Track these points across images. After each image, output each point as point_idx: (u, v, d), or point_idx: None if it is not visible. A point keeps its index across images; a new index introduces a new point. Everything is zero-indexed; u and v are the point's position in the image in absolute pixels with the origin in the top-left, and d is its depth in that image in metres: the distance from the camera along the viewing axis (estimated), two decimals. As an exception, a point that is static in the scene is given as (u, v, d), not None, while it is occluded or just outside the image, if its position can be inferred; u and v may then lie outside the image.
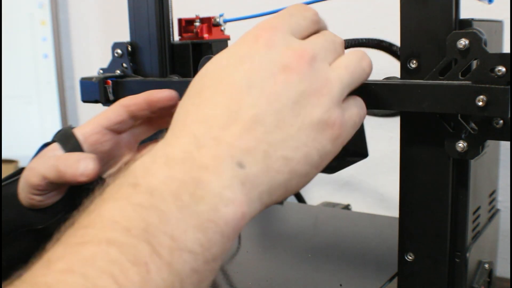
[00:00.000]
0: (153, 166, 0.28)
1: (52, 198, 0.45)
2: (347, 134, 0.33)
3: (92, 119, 0.47)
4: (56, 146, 0.45)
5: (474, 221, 0.46)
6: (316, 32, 0.35)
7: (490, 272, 0.49)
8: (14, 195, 0.45)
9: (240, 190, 0.28)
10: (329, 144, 0.31)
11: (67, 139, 0.45)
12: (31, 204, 0.44)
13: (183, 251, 0.25)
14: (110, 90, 0.56)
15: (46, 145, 0.46)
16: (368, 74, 0.36)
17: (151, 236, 0.25)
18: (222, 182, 0.27)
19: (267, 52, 0.31)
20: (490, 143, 0.49)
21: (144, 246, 0.24)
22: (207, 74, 0.32)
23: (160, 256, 0.25)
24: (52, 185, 0.43)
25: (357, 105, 0.35)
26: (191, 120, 0.30)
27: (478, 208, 0.47)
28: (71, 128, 0.47)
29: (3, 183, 0.46)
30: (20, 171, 0.46)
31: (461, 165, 0.42)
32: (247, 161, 0.29)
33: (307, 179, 0.32)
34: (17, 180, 0.46)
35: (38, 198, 0.44)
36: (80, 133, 0.46)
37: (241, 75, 0.31)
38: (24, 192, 0.44)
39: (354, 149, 0.49)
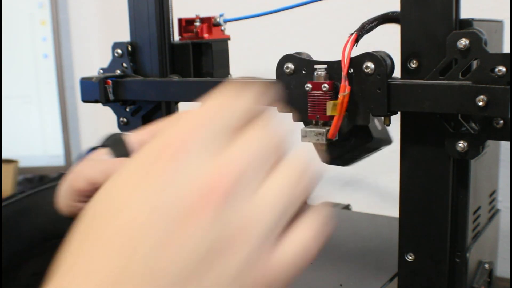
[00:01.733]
0: None
1: None
2: (284, 280, 0.25)
3: (146, 127, 0.42)
4: (104, 151, 0.41)
5: (474, 221, 0.46)
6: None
7: (490, 272, 0.49)
8: (50, 202, 0.42)
9: None
10: None
11: (117, 145, 0.42)
12: (72, 212, 0.40)
13: None
14: (110, 90, 0.56)
15: (93, 149, 0.43)
16: (311, 193, 0.28)
17: None
18: None
19: (163, 188, 0.23)
20: (490, 143, 0.49)
21: None
22: (96, 204, 0.25)
23: None
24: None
25: (304, 234, 0.27)
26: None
27: (478, 208, 0.47)
28: (122, 134, 0.43)
29: (36, 189, 0.44)
30: (59, 176, 0.43)
31: (461, 165, 0.42)
32: None
33: None
34: (54, 187, 0.42)
35: (81, 205, 0.40)
36: (131, 140, 0.41)
37: (128, 225, 0.23)
38: (66, 199, 0.40)
39: (379, 138, 0.47)
